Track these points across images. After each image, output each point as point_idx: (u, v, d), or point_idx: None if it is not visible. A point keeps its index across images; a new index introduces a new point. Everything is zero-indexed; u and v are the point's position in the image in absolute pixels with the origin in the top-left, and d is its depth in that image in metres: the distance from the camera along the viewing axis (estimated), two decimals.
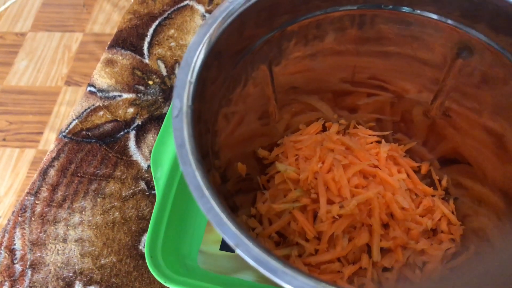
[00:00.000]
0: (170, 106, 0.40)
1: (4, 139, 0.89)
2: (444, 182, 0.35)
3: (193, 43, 0.24)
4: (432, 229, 0.33)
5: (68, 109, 0.97)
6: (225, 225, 0.19)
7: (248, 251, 0.18)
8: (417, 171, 0.36)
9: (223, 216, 0.19)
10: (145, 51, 0.48)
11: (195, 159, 0.21)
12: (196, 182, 0.20)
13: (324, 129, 0.37)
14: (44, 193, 0.41)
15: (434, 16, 0.27)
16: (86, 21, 1.05)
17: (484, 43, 0.27)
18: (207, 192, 0.20)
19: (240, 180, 0.34)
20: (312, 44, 0.31)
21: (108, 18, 1.09)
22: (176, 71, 0.47)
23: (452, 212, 0.33)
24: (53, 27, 1.05)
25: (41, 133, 0.92)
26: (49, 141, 0.90)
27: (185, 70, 0.23)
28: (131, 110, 0.45)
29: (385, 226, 0.32)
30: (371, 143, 0.36)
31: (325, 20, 0.29)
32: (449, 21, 0.27)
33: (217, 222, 0.19)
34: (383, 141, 0.36)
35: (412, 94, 0.35)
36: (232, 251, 0.38)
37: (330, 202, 0.31)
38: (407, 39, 0.30)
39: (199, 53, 0.24)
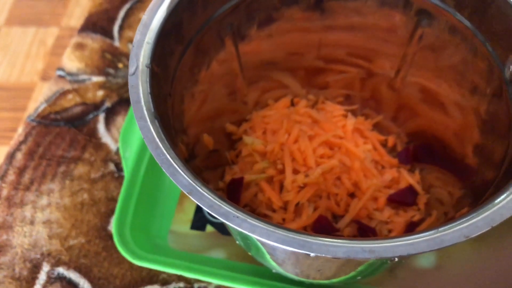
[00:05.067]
0: None
1: None
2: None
3: (153, 5, 0.24)
4: None
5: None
6: (178, 175, 0.19)
7: (201, 198, 0.18)
8: (384, 144, 0.36)
9: (176, 166, 0.19)
10: (115, 35, 0.48)
11: (150, 113, 0.21)
12: (151, 135, 0.20)
13: (293, 104, 0.38)
14: (11, 177, 0.40)
15: None
16: (62, 16, 1.03)
17: (439, 8, 0.27)
18: (160, 144, 0.20)
19: (209, 155, 0.34)
20: (268, 25, 0.31)
21: (85, 12, 1.07)
22: None
23: (418, 183, 0.34)
24: (27, 21, 1.03)
25: (15, 129, 0.89)
26: None
27: (143, 31, 0.23)
28: (100, 92, 0.44)
29: (351, 196, 0.33)
30: (338, 116, 0.36)
31: None
32: None
33: (170, 172, 0.19)
34: (349, 114, 0.36)
35: (379, 68, 0.35)
36: (203, 229, 0.38)
37: (296, 172, 0.32)
38: (367, 10, 0.31)
39: (158, 15, 0.24)
